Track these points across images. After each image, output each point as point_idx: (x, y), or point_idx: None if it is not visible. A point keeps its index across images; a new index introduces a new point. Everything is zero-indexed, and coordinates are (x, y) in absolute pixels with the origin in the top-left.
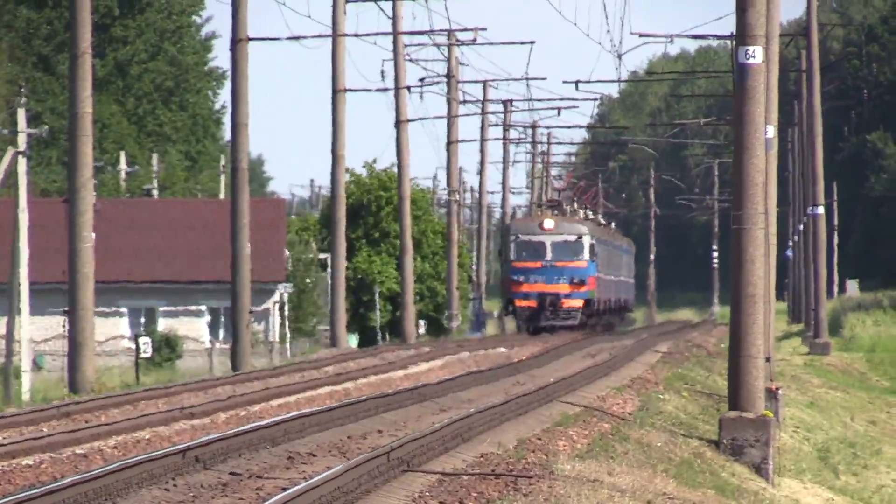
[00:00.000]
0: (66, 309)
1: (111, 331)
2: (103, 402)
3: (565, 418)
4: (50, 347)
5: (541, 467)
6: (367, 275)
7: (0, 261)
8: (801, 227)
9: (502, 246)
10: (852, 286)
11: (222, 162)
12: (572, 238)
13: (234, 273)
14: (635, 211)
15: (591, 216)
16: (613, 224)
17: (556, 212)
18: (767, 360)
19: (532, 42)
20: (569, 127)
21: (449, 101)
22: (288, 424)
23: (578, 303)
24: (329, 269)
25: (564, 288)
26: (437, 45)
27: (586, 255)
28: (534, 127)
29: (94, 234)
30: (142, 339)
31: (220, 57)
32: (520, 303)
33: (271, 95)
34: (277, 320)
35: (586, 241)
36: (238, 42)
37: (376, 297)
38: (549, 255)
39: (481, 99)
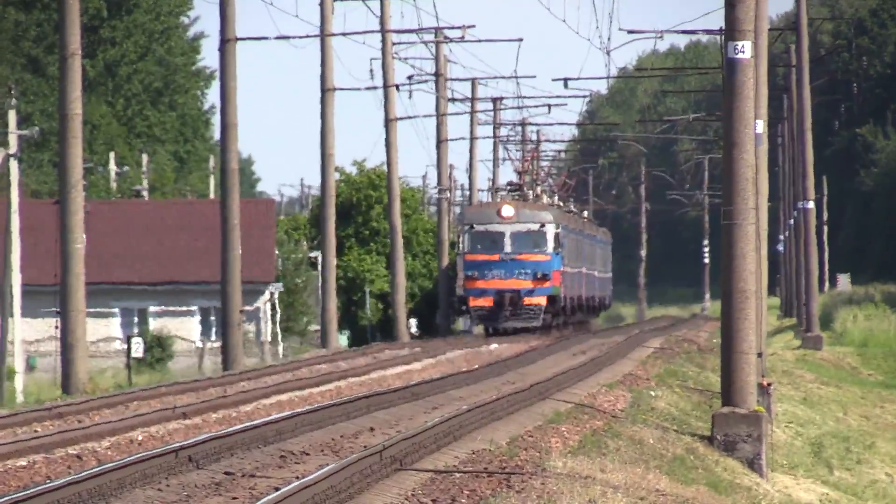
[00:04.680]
0: (58, 310)
1: (103, 332)
2: (96, 402)
3: (557, 415)
4: (43, 348)
5: (533, 464)
6: (358, 274)
7: None
8: (792, 221)
9: (457, 237)
10: (843, 280)
11: (212, 162)
12: (534, 227)
13: (225, 273)
14: (625, 207)
15: (557, 202)
16: (587, 213)
17: (516, 197)
18: (759, 355)
19: (520, 39)
20: (559, 124)
21: (438, 100)
22: (280, 423)
23: (541, 300)
24: (319, 269)
25: (525, 284)
26: (426, 43)
27: (550, 246)
28: (523, 124)
29: (84, 236)
30: (133, 340)
31: (208, 57)
32: (475, 301)
33: (260, 95)
34: (268, 320)
35: (550, 230)
36: (226, 42)
37: (367, 296)
38: (507, 247)
39: (470, 97)
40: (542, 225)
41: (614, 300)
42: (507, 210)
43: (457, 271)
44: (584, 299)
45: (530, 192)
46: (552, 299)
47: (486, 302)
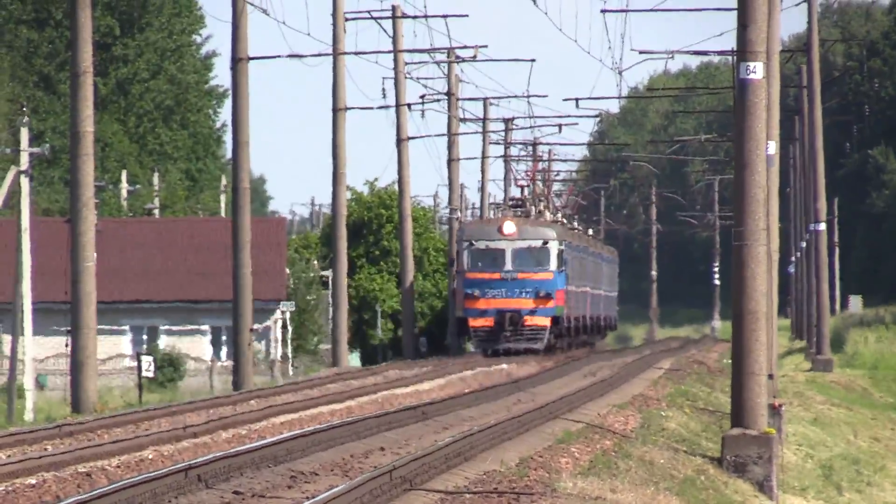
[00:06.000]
0: (69, 328)
1: (113, 350)
2: (106, 420)
3: (567, 436)
4: (53, 366)
5: (543, 485)
6: (369, 293)
7: (3, 280)
8: (803, 243)
9: (455, 254)
10: (854, 302)
11: (223, 181)
12: (537, 244)
13: (236, 292)
14: (636, 228)
15: (561, 219)
16: (591, 231)
17: (518, 213)
18: (770, 376)
19: (532, 60)
20: (570, 144)
21: (450, 119)
22: (290, 443)
23: (544, 321)
24: (330, 288)
25: (527, 303)
26: (438, 63)
27: (553, 264)
28: (535, 144)
29: (95, 254)
30: (144, 359)
31: (220, 75)
32: (474, 321)
33: (272, 114)
34: (279, 339)
35: (553, 247)
36: (238, 61)
37: (378, 315)
38: (509, 265)
39: (482, 116)
40: (546, 242)
41: (624, 321)
42: (509, 226)
43: (454, 290)
44: (589, 319)
45: (533, 208)
46: (556, 320)
47: (486, 322)
